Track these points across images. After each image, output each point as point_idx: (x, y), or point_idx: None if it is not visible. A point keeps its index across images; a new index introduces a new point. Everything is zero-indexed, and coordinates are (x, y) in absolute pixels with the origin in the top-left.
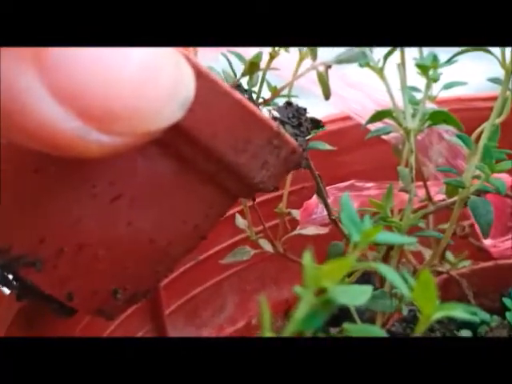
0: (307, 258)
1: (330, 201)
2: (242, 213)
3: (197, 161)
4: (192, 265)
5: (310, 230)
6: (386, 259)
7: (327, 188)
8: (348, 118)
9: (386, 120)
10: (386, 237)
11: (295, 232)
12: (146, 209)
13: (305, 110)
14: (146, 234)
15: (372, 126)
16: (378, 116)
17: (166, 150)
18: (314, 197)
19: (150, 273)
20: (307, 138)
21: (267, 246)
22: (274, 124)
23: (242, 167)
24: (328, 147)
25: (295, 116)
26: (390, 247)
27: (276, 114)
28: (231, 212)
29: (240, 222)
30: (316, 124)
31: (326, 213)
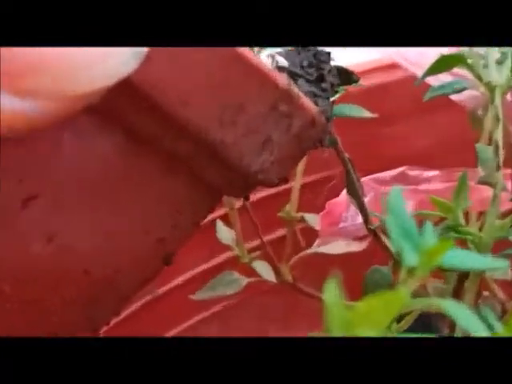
0: (331, 292)
1: (367, 200)
2: (226, 219)
3: (159, 139)
4: (147, 302)
5: (336, 247)
6: (457, 293)
7: (363, 179)
8: (395, 66)
9: (457, 70)
10: (457, 257)
11: (312, 250)
12: (77, 216)
13: (328, 54)
14: (77, 257)
15: (434, 80)
16: (444, 63)
17: (109, 123)
18: (343, 193)
19: (84, 318)
20: (332, 99)
21: (267, 273)
22: (282, 78)
23: (230, 148)
24: (365, 114)
25: (313, 65)
26: (464, 274)
27: (282, 61)
28: (209, 217)
29: (224, 233)
30: (346, 77)
31: (360, 219)
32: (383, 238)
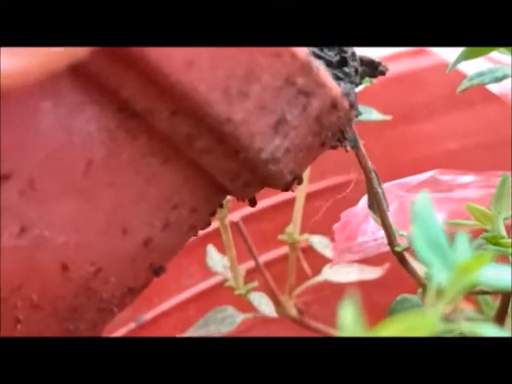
0: (347, 318)
1: (391, 211)
2: (215, 238)
3: (153, 114)
4: (131, 331)
5: (352, 272)
6: (498, 318)
7: (386, 186)
8: (422, 51)
9: (496, 55)
10: (497, 275)
11: (320, 277)
12: (55, 203)
13: None
14: (53, 253)
15: (468, 68)
16: (481, 48)
17: (97, 92)
18: (361, 202)
19: (57, 329)
20: (356, 87)
21: (266, 306)
22: (300, 49)
23: (238, 127)
24: (376, 116)
25: (334, 48)
26: (507, 296)
27: None
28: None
29: (214, 260)
30: (372, 68)
31: (382, 235)
32: (411, 261)
